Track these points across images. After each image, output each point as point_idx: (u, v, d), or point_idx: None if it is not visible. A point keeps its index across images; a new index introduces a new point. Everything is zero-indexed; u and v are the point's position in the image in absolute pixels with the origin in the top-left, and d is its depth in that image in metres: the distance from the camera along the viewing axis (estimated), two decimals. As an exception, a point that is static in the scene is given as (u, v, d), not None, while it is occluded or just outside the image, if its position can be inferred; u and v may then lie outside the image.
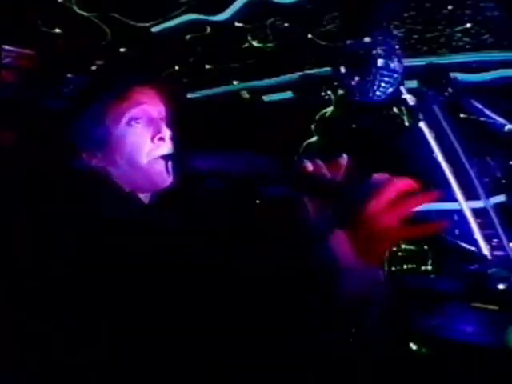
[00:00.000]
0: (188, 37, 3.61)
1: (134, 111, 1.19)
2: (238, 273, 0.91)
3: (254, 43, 3.65)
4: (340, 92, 3.64)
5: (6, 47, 3.42)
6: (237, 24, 3.42)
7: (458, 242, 3.43)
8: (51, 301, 1.00)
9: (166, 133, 1.21)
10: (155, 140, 1.19)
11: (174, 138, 1.23)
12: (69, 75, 3.26)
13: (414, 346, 2.07)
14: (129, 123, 1.18)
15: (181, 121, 1.27)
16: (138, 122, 1.19)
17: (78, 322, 0.97)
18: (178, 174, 1.18)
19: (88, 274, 0.96)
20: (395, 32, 3.26)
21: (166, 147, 1.20)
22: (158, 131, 1.20)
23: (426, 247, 3.49)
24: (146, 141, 1.19)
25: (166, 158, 1.19)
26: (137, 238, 0.97)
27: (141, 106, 1.20)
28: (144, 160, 1.18)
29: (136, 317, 0.91)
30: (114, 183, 1.16)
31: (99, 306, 0.95)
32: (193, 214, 1.19)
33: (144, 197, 1.22)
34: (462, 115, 3.04)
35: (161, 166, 1.19)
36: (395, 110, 3.37)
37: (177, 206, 1.19)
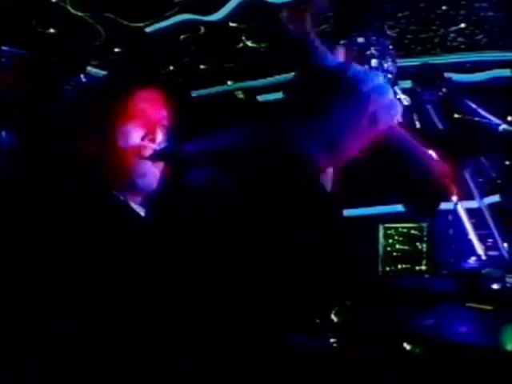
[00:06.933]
0: (182, 37, 3.60)
1: (133, 111, 1.22)
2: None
3: (249, 43, 3.65)
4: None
5: (2, 48, 3.42)
6: (231, 24, 3.41)
7: (453, 241, 3.43)
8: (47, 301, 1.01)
9: (159, 136, 1.22)
10: (146, 139, 1.20)
11: (169, 143, 1.23)
12: (64, 75, 3.26)
13: (408, 346, 2.07)
14: (125, 120, 1.21)
15: (182, 126, 1.28)
16: (133, 121, 1.21)
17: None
18: (169, 178, 1.19)
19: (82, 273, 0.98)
20: (389, 32, 3.26)
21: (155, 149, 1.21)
22: (151, 132, 1.21)
23: (420, 247, 3.50)
24: (136, 138, 1.20)
25: (153, 159, 1.19)
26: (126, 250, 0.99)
27: (140, 107, 1.23)
28: (131, 158, 1.18)
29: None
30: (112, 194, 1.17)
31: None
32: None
33: (136, 201, 1.22)
34: (456, 115, 3.05)
35: (147, 166, 1.19)
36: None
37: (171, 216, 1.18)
